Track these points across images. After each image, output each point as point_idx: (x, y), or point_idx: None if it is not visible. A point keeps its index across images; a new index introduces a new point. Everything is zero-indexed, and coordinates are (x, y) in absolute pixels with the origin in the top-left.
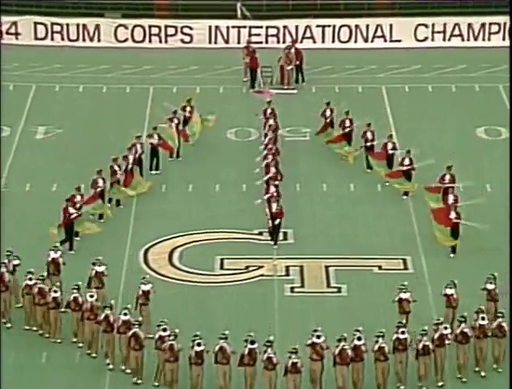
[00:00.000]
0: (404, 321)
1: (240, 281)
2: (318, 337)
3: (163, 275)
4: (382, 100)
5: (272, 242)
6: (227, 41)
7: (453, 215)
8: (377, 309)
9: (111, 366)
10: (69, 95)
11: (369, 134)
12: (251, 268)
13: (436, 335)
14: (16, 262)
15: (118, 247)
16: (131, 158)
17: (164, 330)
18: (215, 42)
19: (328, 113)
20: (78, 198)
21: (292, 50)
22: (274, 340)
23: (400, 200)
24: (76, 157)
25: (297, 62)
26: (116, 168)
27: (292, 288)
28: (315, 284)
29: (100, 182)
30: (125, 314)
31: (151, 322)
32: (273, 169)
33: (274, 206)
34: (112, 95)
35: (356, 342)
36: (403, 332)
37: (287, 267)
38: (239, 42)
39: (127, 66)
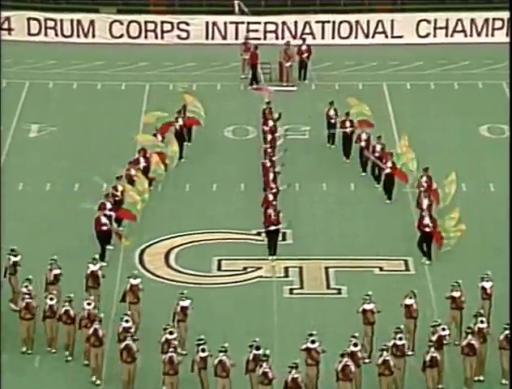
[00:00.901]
0: (370, 332)
1: (238, 283)
2: (313, 342)
3: (158, 277)
4: (383, 97)
5: (268, 253)
6: (224, 37)
7: (427, 220)
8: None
9: (98, 382)
10: (63, 92)
11: (363, 135)
12: (249, 269)
13: (434, 338)
14: (57, 271)
15: (114, 247)
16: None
17: (171, 333)
18: (213, 38)
19: (332, 112)
20: (109, 205)
21: (300, 47)
22: (270, 354)
23: (401, 200)
24: (70, 155)
25: (304, 56)
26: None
27: (291, 289)
28: (315, 286)
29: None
30: (127, 321)
31: (188, 338)
32: (271, 176)
33: (272, 214)
34: (107, 92)
35: (353, 348)
36: (400, 338)
37: (286, 268)
38: (237, 38)
39: (122, 63)
